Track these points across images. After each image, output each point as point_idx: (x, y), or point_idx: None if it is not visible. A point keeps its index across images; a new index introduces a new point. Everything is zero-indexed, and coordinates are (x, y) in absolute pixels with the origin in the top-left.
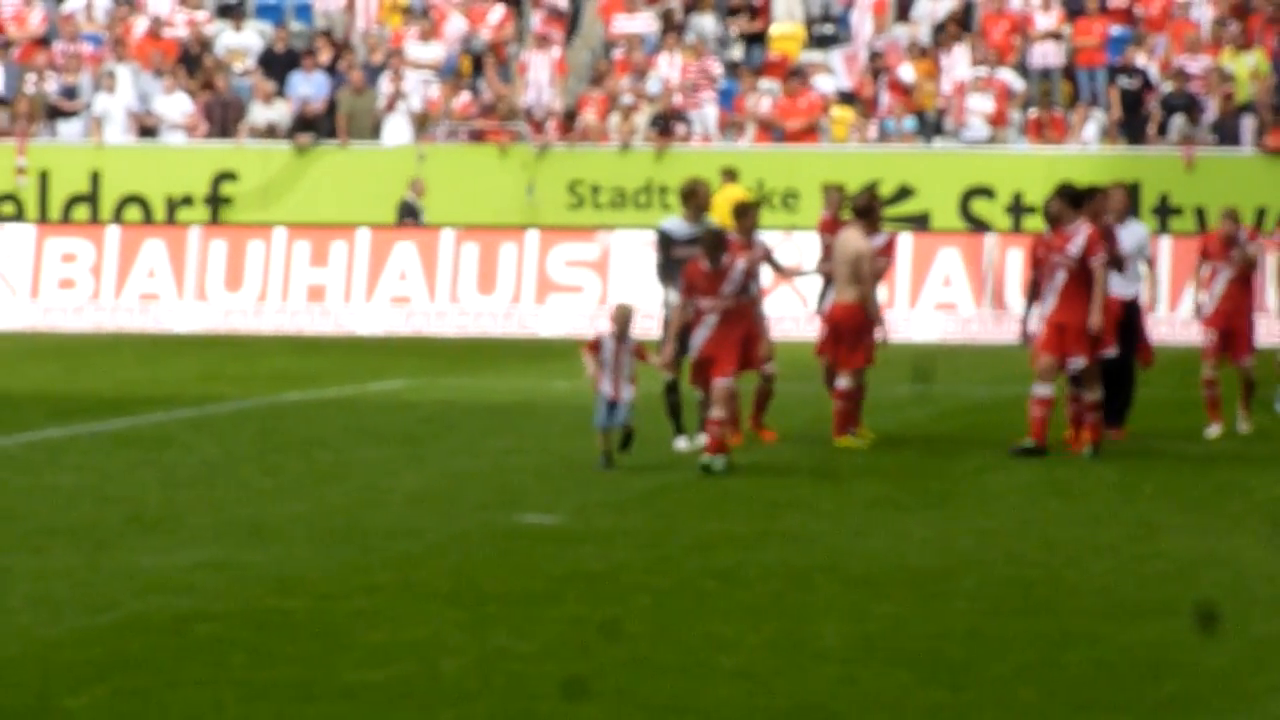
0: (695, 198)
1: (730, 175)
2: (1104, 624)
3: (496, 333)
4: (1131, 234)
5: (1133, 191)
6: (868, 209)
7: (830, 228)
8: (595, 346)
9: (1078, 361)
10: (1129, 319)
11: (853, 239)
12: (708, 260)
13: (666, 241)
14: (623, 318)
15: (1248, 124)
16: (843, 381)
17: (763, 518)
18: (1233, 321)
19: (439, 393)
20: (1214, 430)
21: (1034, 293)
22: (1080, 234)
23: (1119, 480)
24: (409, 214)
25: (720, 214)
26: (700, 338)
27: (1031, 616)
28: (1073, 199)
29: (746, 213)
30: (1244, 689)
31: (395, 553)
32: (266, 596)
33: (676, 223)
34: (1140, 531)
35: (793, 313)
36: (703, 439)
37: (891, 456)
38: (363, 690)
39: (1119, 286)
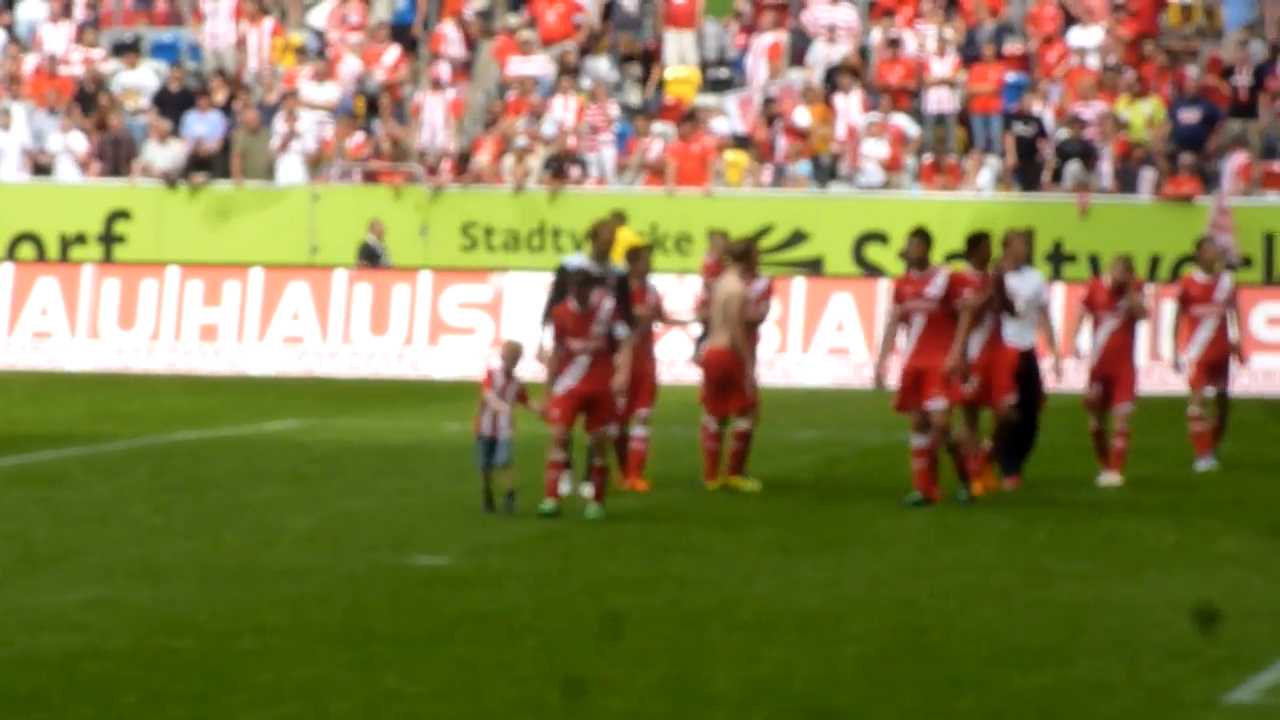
0: (598, 239)
1: (620, 218)
2: (995, 671)
3: (389, 374)
4: (1028, 282)
5: (1028, 239)
6: (744, 254)
7: (714, 272)
8: (489, 381)
9: (937, 403)
10: (1027, 368)
11: (727, 284)
12: (576, 301)
13: (564, 280)
14: (512, 354)
15: (1144, 172)
16: (741, 424)
17: (654, 561)
18: (1115, 369)
19: (331, 433)
20: (1108, 479)
21: (891, 337)
22: (940, 276)
23: (1011, 527)
24: (369, 257)
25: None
26: (571, 379)
27: (922, 663)
28: (927, 241)
29: (639, 256)
30: None
31: (285, 593)
32: (156, 636)
33: (579, 260)
34: (1032, 578)
35: (683, 356)
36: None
37: (782, 501)
38: None
39: (1015, 335)
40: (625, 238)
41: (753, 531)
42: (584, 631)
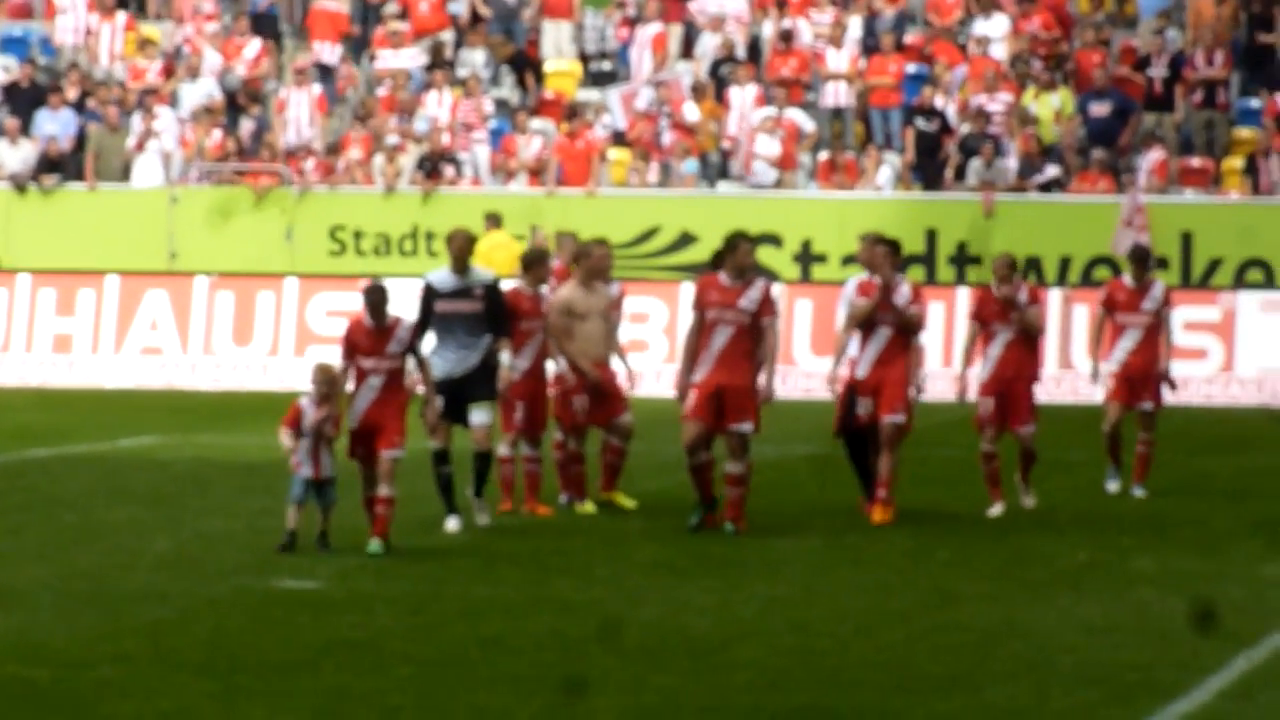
0: (452, 244)
1: (494, 220)
2: (896, 699)
3: (253, 386)
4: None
5: (930, 239)
6: (533, 262)
7: (564, 276)
8: (294, 419)
9: (743, 426)
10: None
11: (564, 291)
12: (370, 316)
13: (430, 295)
14: (325, 380)
15: (1053, 168)
16: (612, 440)
17: (533, 583)
18: (1012, 387)
19: (192, 450)
20: (996, 510)
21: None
22: (756, 287)
23: (912, 546)
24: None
25: (484, 261)
26: (362, 404)
27: (818, 690)
28: (725, 246)
29: (539, 262)
30: None
31: (145, 619)
32: (9, 664)
33: (442, 274)
34: (934, 600)
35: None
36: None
37: (670, 520)
38: None
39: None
40: (498, 240)
41: (638, 551)
42: (459, 658)
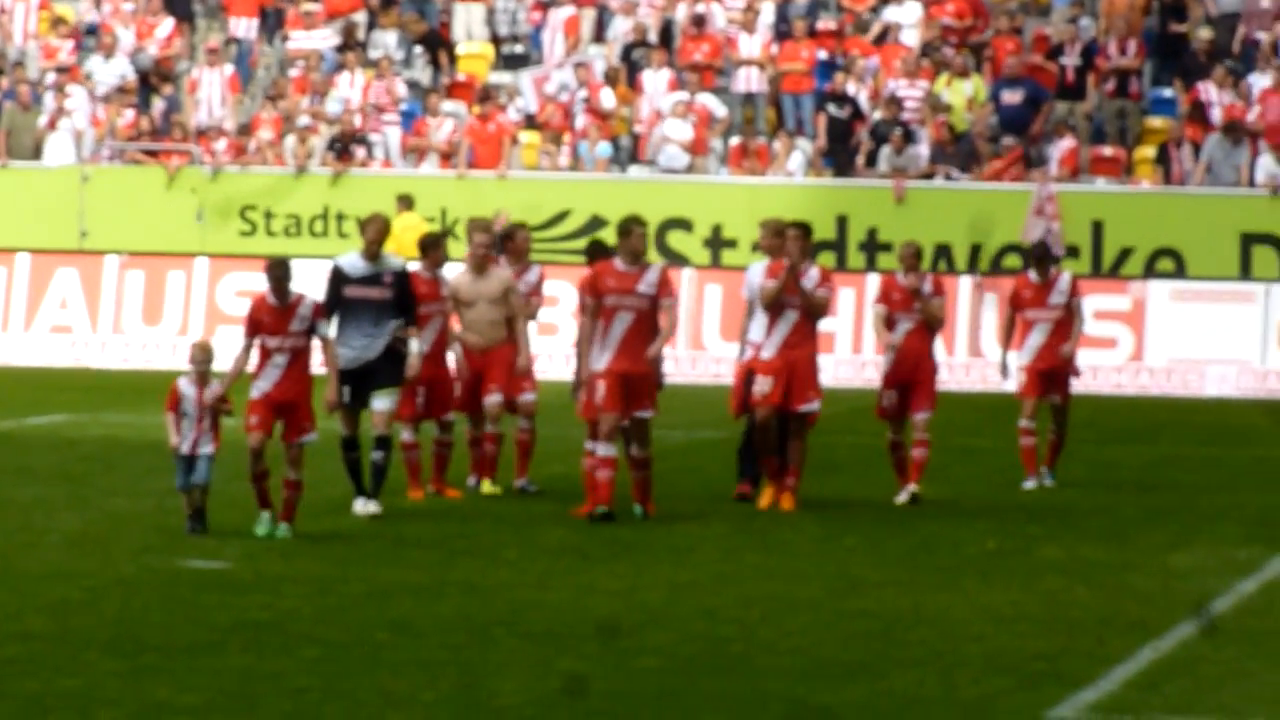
0: (368, 229)
1: (406, 202)
2: (802, 685)
3: (163, 365)
4: (807, 277)
5: (841, 225)
6: (430, 246)
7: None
8: (175, 402)
9: (645, 413)
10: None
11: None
12: (274, 295)
13: (339, 279)
14: (204, 356)
15: (964, 156)
16: (489, 427)
17: (440, 566)
18: (913, 374)
19: (100, 429)
20: (905, 495)
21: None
22: (653, 271)
23: (820, 533)
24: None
25: (395, 243)
26: (267, 383)
27: (724, 676)
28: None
29: (436, 245)
30: None
31: (51, 598)
32: None
33: (352, 259)
34: (842, 587)
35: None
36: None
37: (576, 504)
38: None
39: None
40: (409, 222)
41: (545, 535)
42: (365, 640)
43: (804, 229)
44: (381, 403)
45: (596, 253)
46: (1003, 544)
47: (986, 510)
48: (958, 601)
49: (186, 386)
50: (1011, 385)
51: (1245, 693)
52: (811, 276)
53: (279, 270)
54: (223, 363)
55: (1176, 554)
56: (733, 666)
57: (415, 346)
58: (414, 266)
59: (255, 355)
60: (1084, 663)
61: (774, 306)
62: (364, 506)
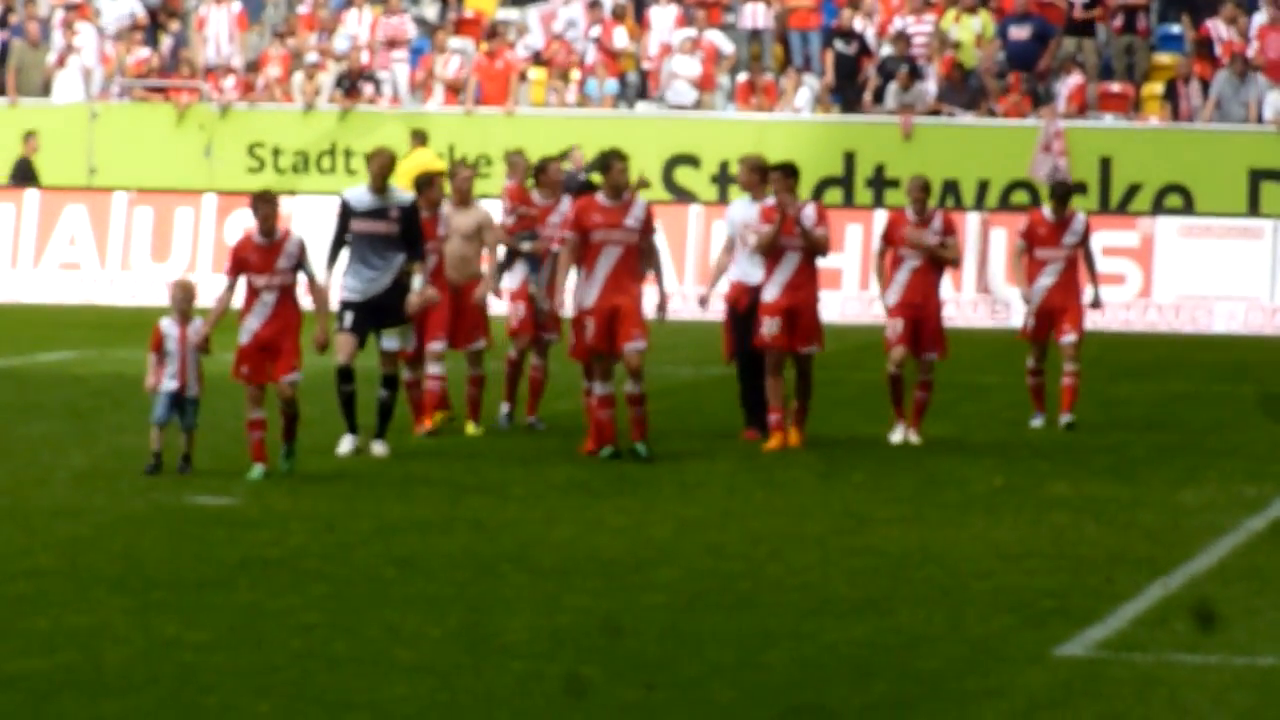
0: (372, 163)
1: (420, 138)
2: (808, 621)
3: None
4: (805, 216)
5: (848, 161)
6: (426, 183)
7: (518, 196)
8: (158, 342)
9: (640, 344)
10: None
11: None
12: (259, 229)
13: (346, 213)
14: (185, 295)
15: (971, 91)
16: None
17: (447, 503)
18: (921, 312)
19: (109, 366)
20: (899, 435)
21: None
22: (639, 206)
23: (825, 470)
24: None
25: (407, 179)
26: (255, 322)
27: (731, 612)
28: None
29: (430, 184)
30: (956, 691)
31: (60, 534)
32: None
33: (359, 192)
34: (848, 524)
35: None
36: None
37: (583, 441)
38: (23, 680)
39: (748, 273)
40: (423, 159)
41: (553, 471)
42: (372, 577)
43: (788, 169)
44: (389, 342)
45: (581, 190)
46: (1010, 481)
47: (993, 447)
48: (965, 538)
49: (169, 326)
50: (1017, 321)
51: (1254, 629)
52: (808, 215)
53: (265, 205)
54: (236, 298)
55: (1185, 491)
56: (739, 603)
57: (419, 283)
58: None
59: (241, 293)
60: (1092, 600)
61: (774, 249)
62: (349, 446)
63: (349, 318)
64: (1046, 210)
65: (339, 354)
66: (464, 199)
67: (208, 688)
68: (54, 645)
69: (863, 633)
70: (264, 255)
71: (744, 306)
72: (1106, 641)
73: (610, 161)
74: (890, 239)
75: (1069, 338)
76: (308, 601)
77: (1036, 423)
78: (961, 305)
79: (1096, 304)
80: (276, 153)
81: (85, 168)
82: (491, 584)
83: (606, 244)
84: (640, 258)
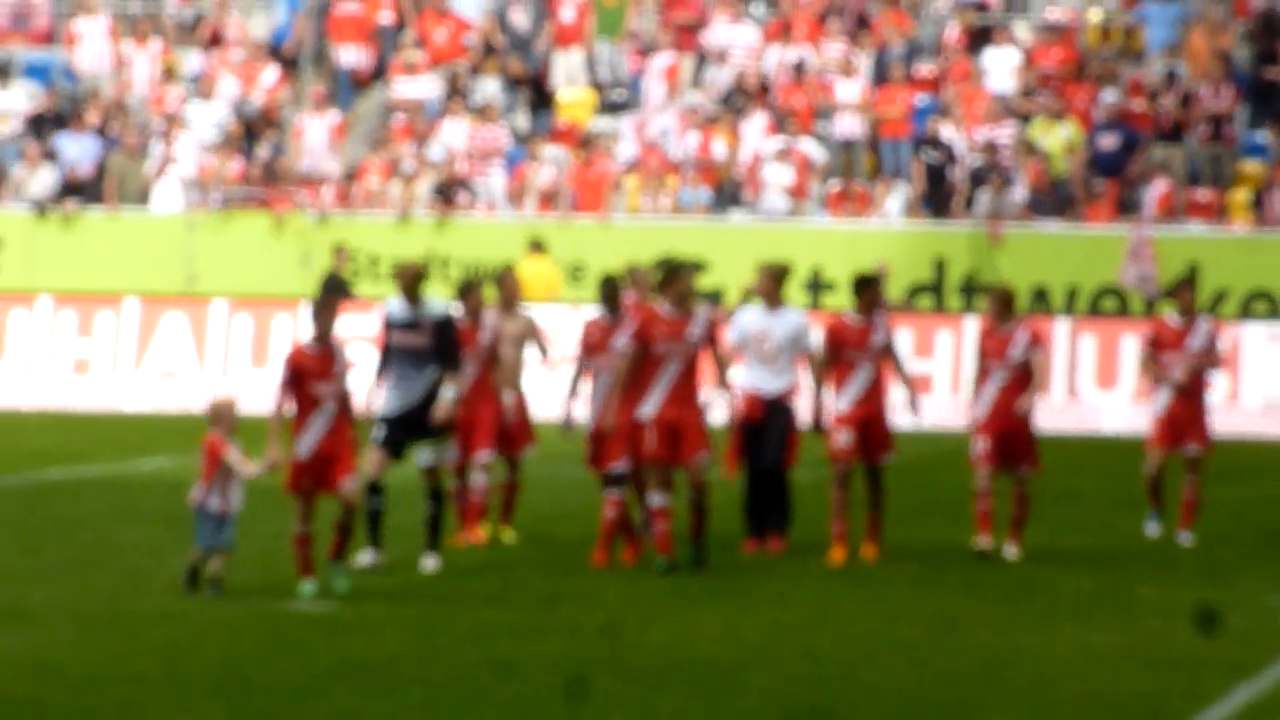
0: (402, 279)
1: (537, 246)
2: None
3: (269, 409)
4: (785, 322)
5: (939, 268)
6: (467, 290)
7: (640, 311)
8: (216, 450)
9: (703, 457)
10: (776, 416)
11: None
12: (318, 339)
13: (385, 325)
14: (227, 413)
15: (1060, 197)
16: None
17: (544, 608)
18: (1011, 425)
19: None
20: (985, 543)
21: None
22: (700, 318)
23: (919, 573)
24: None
25: (527, 289)
26: (315, 435)
27: (825, 715)
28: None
29: (469, 291)
30: None
31: (159, 639)
32: (24, 684)
33: (397, 304)
34: (941, 627)
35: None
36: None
37: (679, 546)
38: None
39: (763, 380)
40: (538, 267)
41: (648, 580)
42: (468, 681)
43: (871, 281)
44: (424, 458)
45: (611, 293)
46: (1101, 585)
47: (1083, 552)
48: (1056, 641)
49: (223, 444)
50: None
51: None
52: (883, 327)
53: (328, 311)
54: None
55: (1272, 593)
56: (834, 708)
57: (450, 393)
58: (551, 309)
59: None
60: (1181, 702)
61: (844, 362)
62: (370, 559)
63: (383, 432)
64: (1170, 315)
65: (367, 467)
66: (510, 305)
67: None
68: None
69: None
70: (321, 362)
71: (757, 418)
72: None
73: (678, 271)
74: (984, 353)
75: (1193, 449)
76: (404, 706)
77: (1151, 528)
78: (1051, 411)
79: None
80: (373, 260)
81: (184, 276)
82: (587, 686)
83: (670, 356)
84: (699, 366)
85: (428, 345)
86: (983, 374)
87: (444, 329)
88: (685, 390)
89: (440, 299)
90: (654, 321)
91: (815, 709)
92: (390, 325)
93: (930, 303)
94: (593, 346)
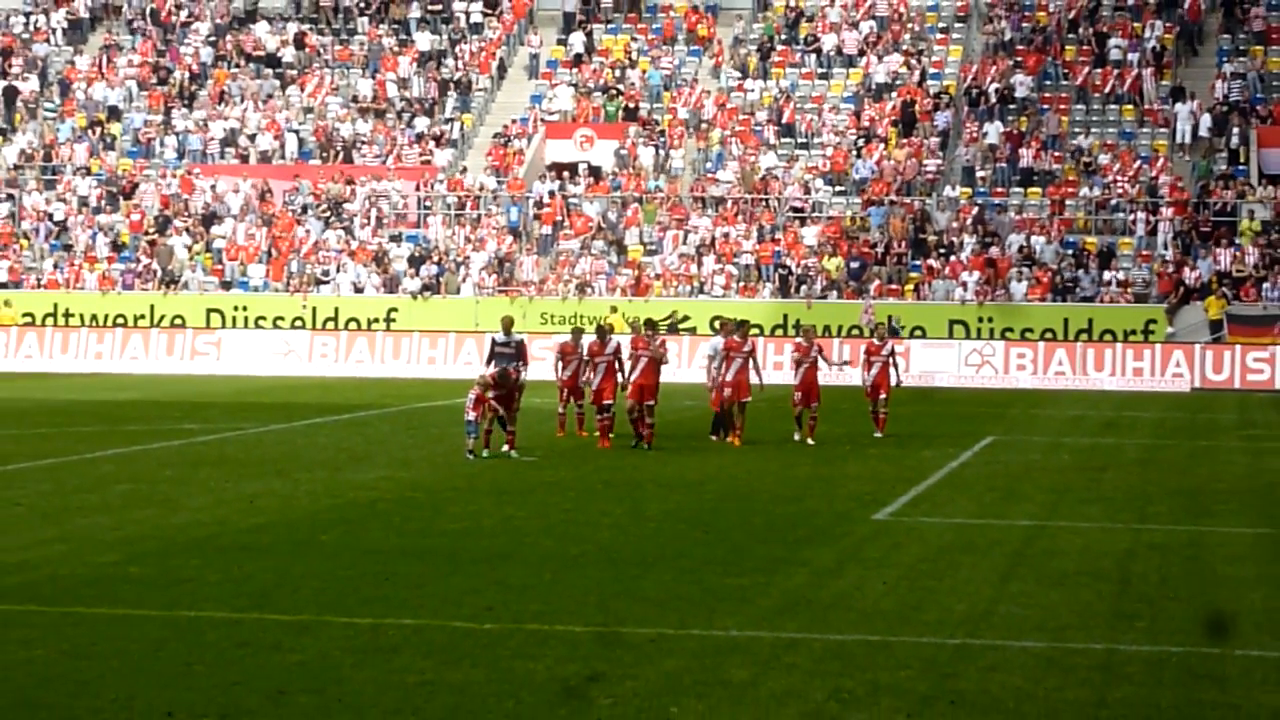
0: (503, 321)
1: (614, 309)
2: None
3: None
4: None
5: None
6: (599, 333)
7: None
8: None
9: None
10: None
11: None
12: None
13: (492, 343)
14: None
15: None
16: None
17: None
18: None
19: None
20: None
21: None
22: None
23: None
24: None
25: (618, 324)
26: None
27: (749, 499)
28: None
29: (601, 334)
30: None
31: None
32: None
33: (499, 335)
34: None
35: None
36: None
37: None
38: None
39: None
40: (616, 320)
41: (646, 454)
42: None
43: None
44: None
45: (600, 329)
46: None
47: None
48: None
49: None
50: None
51: None
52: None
53: (508, 320)
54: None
55: None
56: (753, 492)
57: (520, 374)
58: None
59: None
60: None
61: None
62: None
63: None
64: None
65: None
66: (607, 335)
67: None
68: None
69: None
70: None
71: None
72: None
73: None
74: None
75: None
76: None
77: None
78: None
79: None
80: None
81: None
82: None
83: (643, 356)
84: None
85: (513, 354)
86: None
87: (520, 346)
88: (650, 371)
89: (519, 333)
90: (637, 340)
91: (742, 493)
92: (494, 344)
93: None
94: (595, 353)
